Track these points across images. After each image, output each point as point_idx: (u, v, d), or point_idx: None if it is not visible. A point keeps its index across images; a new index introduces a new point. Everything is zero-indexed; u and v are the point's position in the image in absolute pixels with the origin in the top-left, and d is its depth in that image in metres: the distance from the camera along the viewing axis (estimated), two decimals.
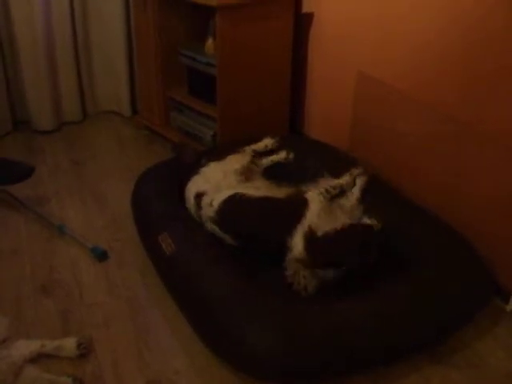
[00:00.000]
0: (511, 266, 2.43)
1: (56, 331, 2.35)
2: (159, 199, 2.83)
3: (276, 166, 3.05)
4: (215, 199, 2.59)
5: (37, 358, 2.18)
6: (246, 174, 2.82)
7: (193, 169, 2.85)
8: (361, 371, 2.18)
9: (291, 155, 3.05)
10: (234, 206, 2.56)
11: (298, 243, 2.35)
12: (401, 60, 2.85)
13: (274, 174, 2.95)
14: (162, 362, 2.22)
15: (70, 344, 2.22)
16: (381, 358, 2.18)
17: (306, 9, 3.50)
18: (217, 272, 2.33)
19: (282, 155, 3.05)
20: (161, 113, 3.88)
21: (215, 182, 2.71)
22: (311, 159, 3.07)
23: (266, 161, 3.02)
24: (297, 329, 2.08)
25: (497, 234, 2.53)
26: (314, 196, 2.52)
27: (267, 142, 3.09)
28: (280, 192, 2.64)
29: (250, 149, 3.00)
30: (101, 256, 2.78)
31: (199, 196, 2.65)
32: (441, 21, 2.58)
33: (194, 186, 2.73)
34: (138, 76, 4.09)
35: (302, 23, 3.54)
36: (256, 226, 2.51)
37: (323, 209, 2.46)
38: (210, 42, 3.52)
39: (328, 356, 2.06)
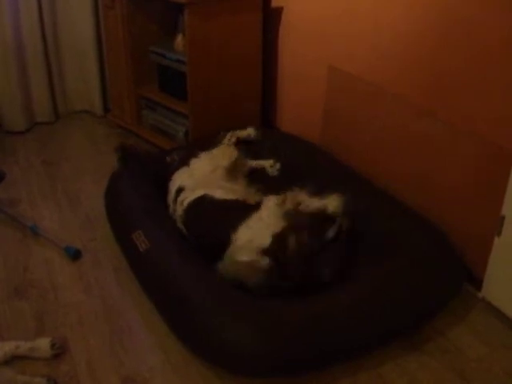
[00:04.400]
0: (483, 253, 2.45)
1: (30, 332, 2.33)
2: (133, 197, 2.83)
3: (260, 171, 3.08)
4: (187, 198, 2.61)
5: (11, 360, 2.16)
6: (232, 173, 2.82)
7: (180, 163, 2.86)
8: (337, 363, 2.18)
9: (278, 166, 3.06)
10: (197, 207, 2.57)
11: (240, 236, 2.34)
12: (371, 53, 2.86)
13: (256, 177, 2.98)
14: (138, 360, 2.22)
15: (44, 344, 2.21)
16: (357, 349, 2.18)
17: (275, 3, 3.51)
18: (190, 269, 2.34)
19: (269, 162, 3.07)
20: (132, 111, 3.87)
21: (200, 176, 2.72)
22: (298, 167, 3.09)
23: (251, 162, 3.04)
24: (271, 323, 2.09)
25: (468, 221, 2.55)
26: (269, 204, 2.47)
27: (250, 132, 3.13)
28: (251, 199, 2.62)
29: (233, 135, 3.04)
30: (74, 255, 2.76)
31: (179, 191, 2.67)
32: (411, 13, 2.60)
33: (178, 179, 2.74)
34: (109, 75, 4.07)
35: (272, 17, 3.54)
36: (208, 227, 2.52)
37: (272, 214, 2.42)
38: (179, 38, 3.51)
39: (303, 350, 2.07)
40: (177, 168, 2.80)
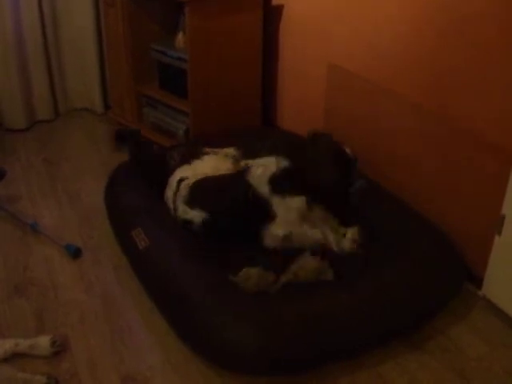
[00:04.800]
0: (483, 251, 2.45)
1: (31, 331, 2.33)
2: (132, 194, 2.83)
3: None
4: (191, 180, 2.63)
5: (11, 358, 2.16)
6: None
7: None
8: (338, 362, 2.18)
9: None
10: (204, 182, 2.62)
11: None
12: (372, 52, 2.86)
13: None
14: (138, 359, 2.22)
15: (44, 342, 2.21)
16: (357, 348, 2.19)
17: (275, 1, 3.50)
18: (190, 267, 2.34)
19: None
20: (133, 109, 3.86)
21: (202, 172, 2.72)
22: None
23: (251, 163, 3.01)
24: (271, 322, 2.09)
25: (468, 220, 2.55)
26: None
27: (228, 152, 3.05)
28: None
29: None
30: (75, 253, 2.76)
31: (181, 181, 2.67)
32: (411, 12, 2.59)
33: (179, 174, 2.74)
34: (109, 72, 4.06)
35: (272, 15, 3.53)
36: (216, 198, 2.59)
37: None
38: (180, 36, 3.51)
39: (303, 348, 2.07)
40: (178, 165, 2.80)
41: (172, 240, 2.51)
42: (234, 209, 2.52)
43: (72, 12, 3.99)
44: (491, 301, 2.47)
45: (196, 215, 2.54)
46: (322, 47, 3.20)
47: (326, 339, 2.10)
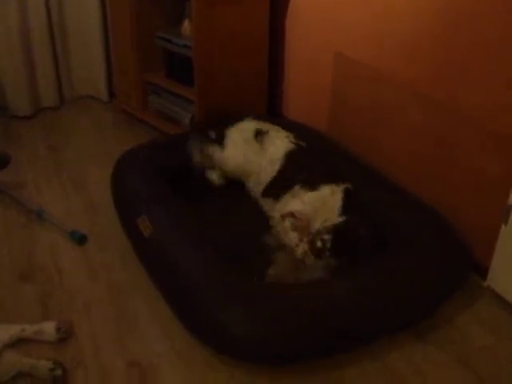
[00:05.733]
0: (488, 241, 2.45)
1: (36, 317, 2.34)
2: (138, 182, 2.82)
3: None
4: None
5: (17, 343, 2.17)
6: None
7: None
8: (343, 351, 2.18)
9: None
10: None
11: None
12: (378, 40, 2.84)
13: None
14: (143, 345, 2.22)
15: (49, 328, 2.21)
16: (363, 338, 2.18)
17: None
18: (194, 254, 2.33)
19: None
20: (138, 96, 3.86)
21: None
22: None
23: None
24: (276, 311, 2.08)
25: (474, 210, 2.55)
26: None
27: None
28: None
29: None
30: (80, 240, 2.76)
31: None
32: (417, 3, 2.58)
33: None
34: (115, 60, 4.05)
35: (279, 3, 3.52)
36: None
37: None
38: (186, 23, 3.50)
39: (308, 337, 2.06)
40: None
41: (176, 227, 2.50)
42: None
43: None
44: (496, 291, 2.47)
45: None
46: (329, 35, 3.18)
47: (330, 330, 2.09)
